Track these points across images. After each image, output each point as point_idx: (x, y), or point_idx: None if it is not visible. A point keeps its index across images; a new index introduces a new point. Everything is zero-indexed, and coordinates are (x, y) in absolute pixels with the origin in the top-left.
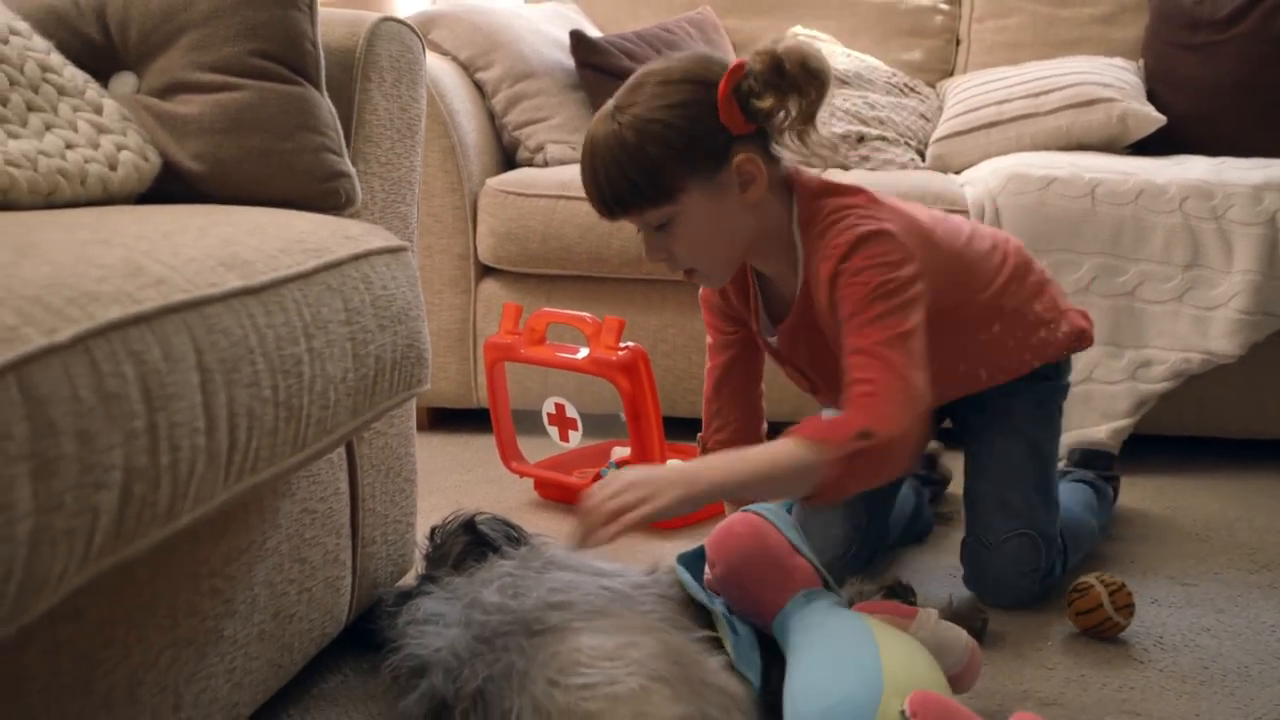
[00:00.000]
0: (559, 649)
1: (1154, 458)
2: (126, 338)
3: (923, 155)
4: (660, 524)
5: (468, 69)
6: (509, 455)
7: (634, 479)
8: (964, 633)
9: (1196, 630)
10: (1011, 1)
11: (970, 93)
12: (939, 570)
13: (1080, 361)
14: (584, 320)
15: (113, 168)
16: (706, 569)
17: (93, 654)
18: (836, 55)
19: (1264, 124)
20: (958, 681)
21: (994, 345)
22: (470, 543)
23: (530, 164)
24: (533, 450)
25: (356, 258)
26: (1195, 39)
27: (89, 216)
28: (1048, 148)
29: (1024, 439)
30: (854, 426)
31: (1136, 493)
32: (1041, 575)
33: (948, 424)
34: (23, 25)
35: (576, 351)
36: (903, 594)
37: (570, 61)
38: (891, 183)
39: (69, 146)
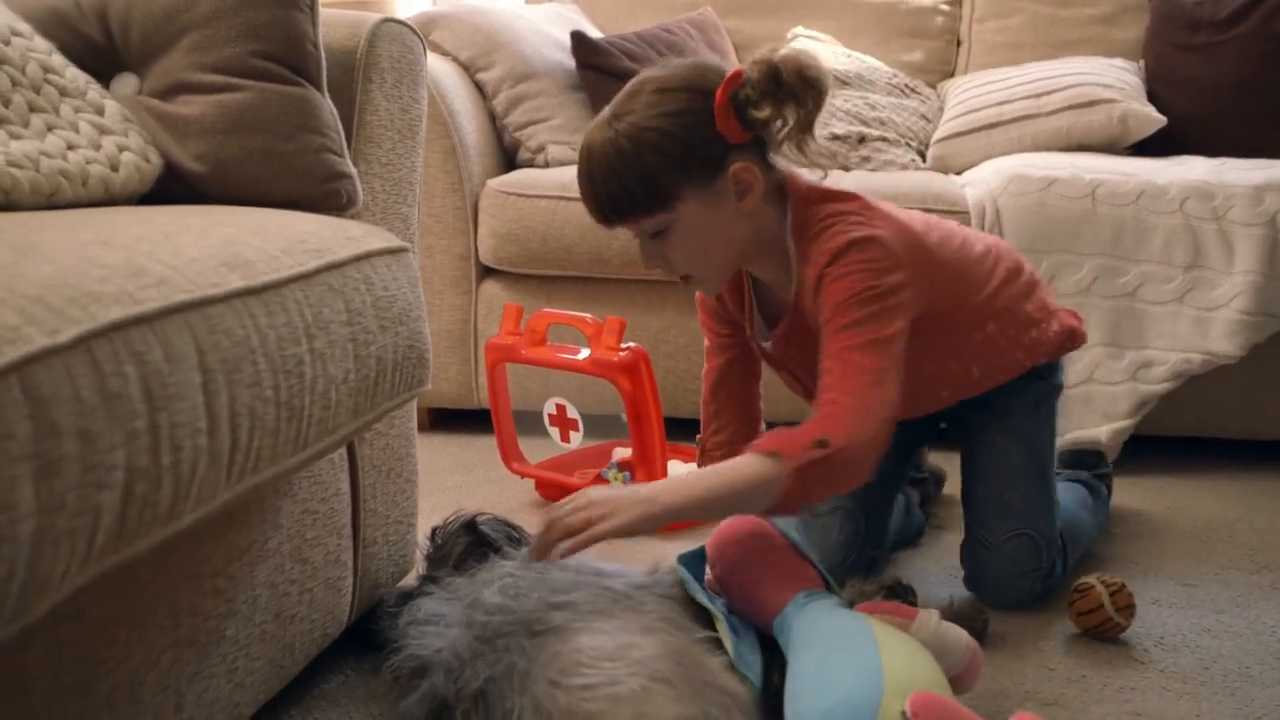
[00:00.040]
0: (560, 649)
1: (1154, 458)
2: (128, 338)
3: (923, 156)
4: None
5: (469, 70)
6: (510, 456)
7: (596, 497)
8: (965, 633)
9: (1197, 631)
10: (1012, 2)
11: (971, 93)
12: (939, 571)
13: (1081, 362)
14: (585, 321)
15: (114, 169)
16: (707, 569)
17: (95, 654)
18: (837, 56)
19: (1264, 124)
20: (958, 682)
21: (987, 345)
22: (471, 543)
23: (531, 165)
24: (534, 451)
25: (358, 258)
26: (1196, 39)
27: (91, 217)
28: (1048, 148)
29: (1022, 439)
30: (812, 435)
31: (1136, 493)
32: (1042, 575)
33: (944, 426)
34: (25, 27)
35: (577, 352)
36: (903, 594)
37: (571, 62)
38: (892, 184)
39: (71, 147)
